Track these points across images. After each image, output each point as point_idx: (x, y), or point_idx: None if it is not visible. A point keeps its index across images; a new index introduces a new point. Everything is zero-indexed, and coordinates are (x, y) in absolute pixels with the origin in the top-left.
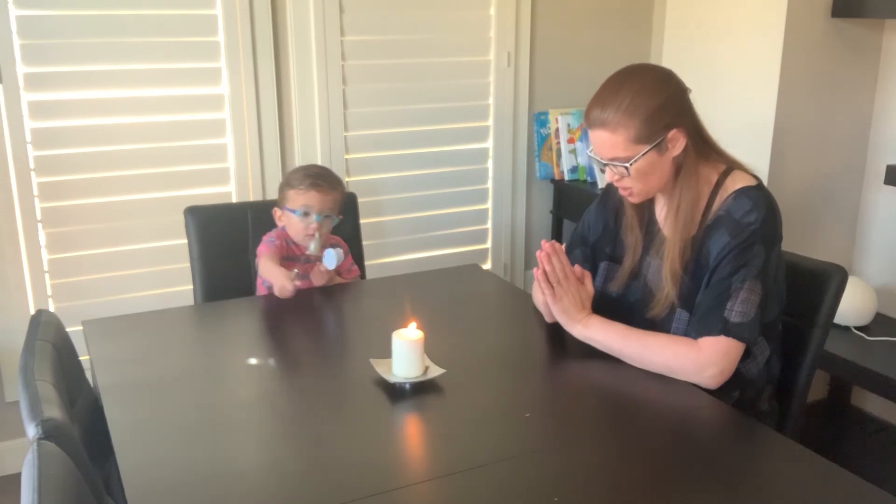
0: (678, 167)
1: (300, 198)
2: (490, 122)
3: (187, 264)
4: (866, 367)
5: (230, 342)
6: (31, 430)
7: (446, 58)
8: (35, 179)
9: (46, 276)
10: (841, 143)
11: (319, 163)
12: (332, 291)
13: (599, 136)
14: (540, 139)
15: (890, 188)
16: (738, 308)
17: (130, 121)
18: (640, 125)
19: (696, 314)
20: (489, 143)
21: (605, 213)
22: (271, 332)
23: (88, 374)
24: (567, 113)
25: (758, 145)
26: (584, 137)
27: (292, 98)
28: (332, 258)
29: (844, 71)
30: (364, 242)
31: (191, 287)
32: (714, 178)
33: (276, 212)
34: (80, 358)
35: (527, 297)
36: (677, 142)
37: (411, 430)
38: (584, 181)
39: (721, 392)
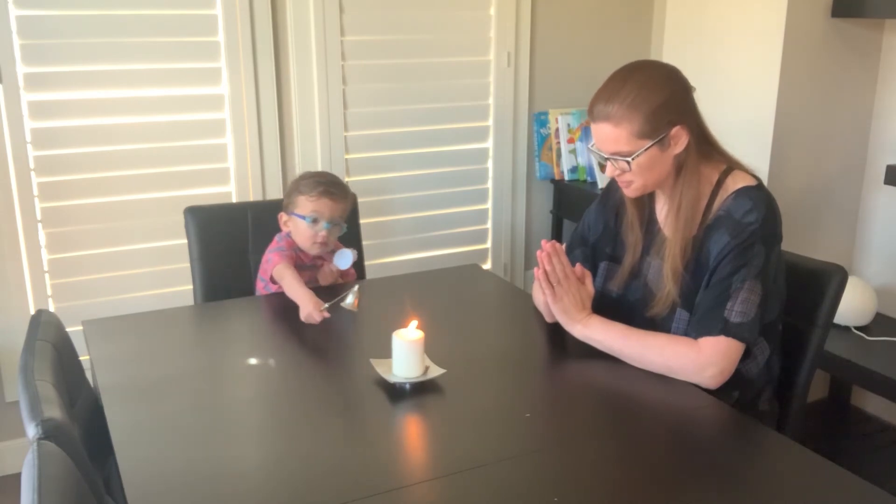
0: (680, 165)
1: (311, 204)
2: (490, 122)
3: (187, 264)
4: (866, 367)
5: (230, 342)
6: (31, 430)
7: (446, 58)
8: (35, 179)
9: (46, 276)
10: (841, 143)
11: (319, 162)
12: (332, 291)
13: (602, 130)
14: (540, 139)
15: (890, 188)
16: (738, 308)
17: (130, 121)
18: (643, 120)
19: (695, 314)
20: (489, 143)
21: (605, 212)
22: (271, 332)
23: (88, 374)
24: (567, 113)
25: (758, 145)
26: (584, 137)
27: (292, 98)
28: (346, 258)
29: (844, 71)
30: (364, 242)
31: (191, 287)
32: (715, 177)
33: (283, 217)
34: (80, 358)
35: (527, 297)
36: (680, 139)
37: (411, 430)
38: (584, 181)
39: (721, 392)
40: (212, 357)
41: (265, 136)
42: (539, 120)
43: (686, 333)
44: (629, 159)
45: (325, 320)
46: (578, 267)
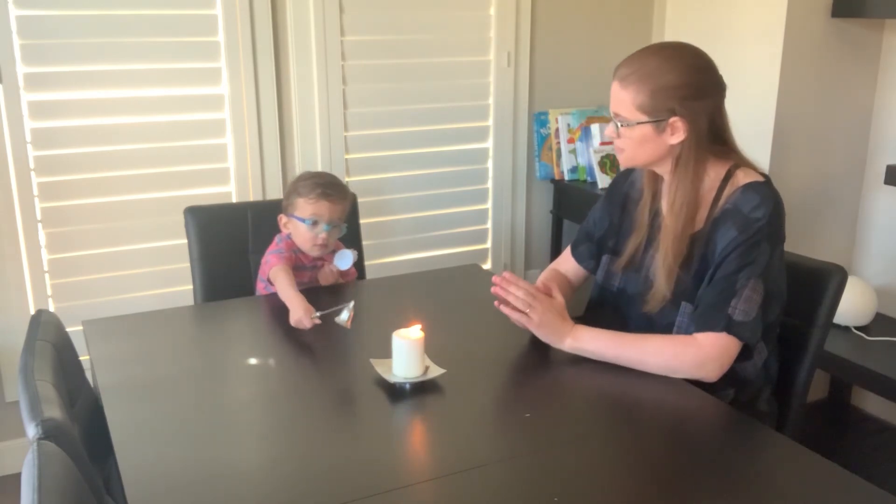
0: (677, 158)
1: (310, 207)
2: (490, 122)
3: (187, 264)
4: (866, 367)
5: (230, 342)
6: (31, 430)
7: (446, 58)
8: (35, 179)
9: (46, 276)
10: (841, 143)
11: (319, 162)
12: (332, 291)
13: (614, 88)
14: (540, 139)
15: (890, 188)
16: (742, 307)
17: (130, 121)
18: (647, 95)
19: (698, 308)
20: (489, 143)
21: (610, 208)
22: (271, 332)
23: (88, 374)
24: (567, 113)
25: (758, 145)
26: (584, 137)
27: (292, 98)
28: (346, 258)
29: (844, 71)
30: (364, 242)
31: (191, 287)
32: (723, 171)
33: (282, 218)
34: (80, 358)
35: None
36: (677, 131)
37: (411, 430)
38: (584, 181)
39: (716, 390)
40: (212, 357)
41: (265, 136)
42: (539, 120)
43: (687, 326)
44: (622, 125)
45: (324, 321)
46: (540, 283)
